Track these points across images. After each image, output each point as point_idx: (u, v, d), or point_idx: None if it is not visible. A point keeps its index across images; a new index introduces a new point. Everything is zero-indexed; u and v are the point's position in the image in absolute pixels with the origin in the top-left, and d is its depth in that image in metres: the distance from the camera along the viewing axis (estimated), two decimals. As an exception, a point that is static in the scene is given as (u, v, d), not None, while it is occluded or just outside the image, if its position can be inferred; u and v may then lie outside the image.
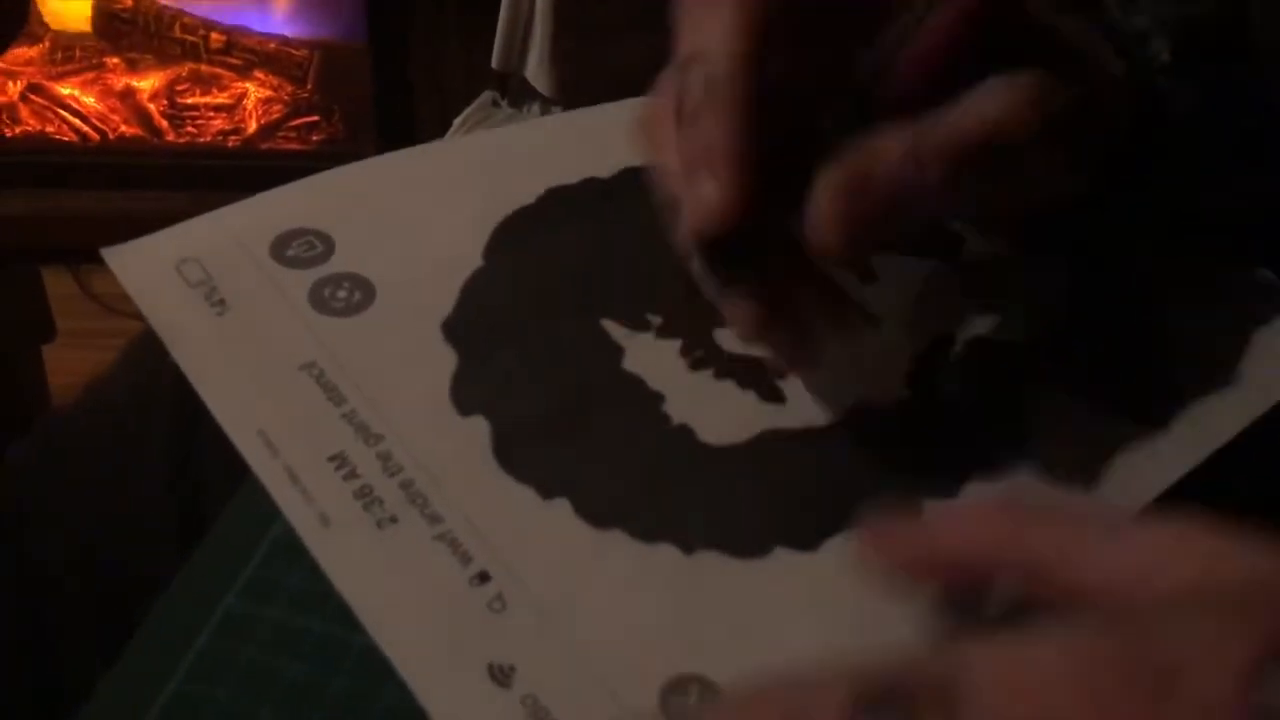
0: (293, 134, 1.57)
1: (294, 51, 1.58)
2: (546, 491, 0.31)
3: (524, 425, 0.32)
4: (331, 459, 0.31)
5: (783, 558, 0.29)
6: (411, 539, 0.29)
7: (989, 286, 0.36)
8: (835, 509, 0.30)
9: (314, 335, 0.34)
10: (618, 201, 0.39)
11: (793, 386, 0.33)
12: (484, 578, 0.29)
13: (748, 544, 0.30)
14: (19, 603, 0.38)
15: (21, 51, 1.57)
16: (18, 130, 1.55)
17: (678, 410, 0.33)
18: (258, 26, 1.59)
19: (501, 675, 0.27)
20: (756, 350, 0.34)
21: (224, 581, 0.32)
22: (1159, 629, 0.20)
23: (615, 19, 0.67)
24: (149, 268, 0.35)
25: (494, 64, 0.74)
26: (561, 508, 0.30)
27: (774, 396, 0.33)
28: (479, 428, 0.32)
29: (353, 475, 0.30)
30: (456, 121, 0.78)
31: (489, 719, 0.26)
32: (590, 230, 0.38)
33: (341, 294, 0.35)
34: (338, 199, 0.38)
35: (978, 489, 0.31)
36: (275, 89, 1.58)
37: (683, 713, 0.26)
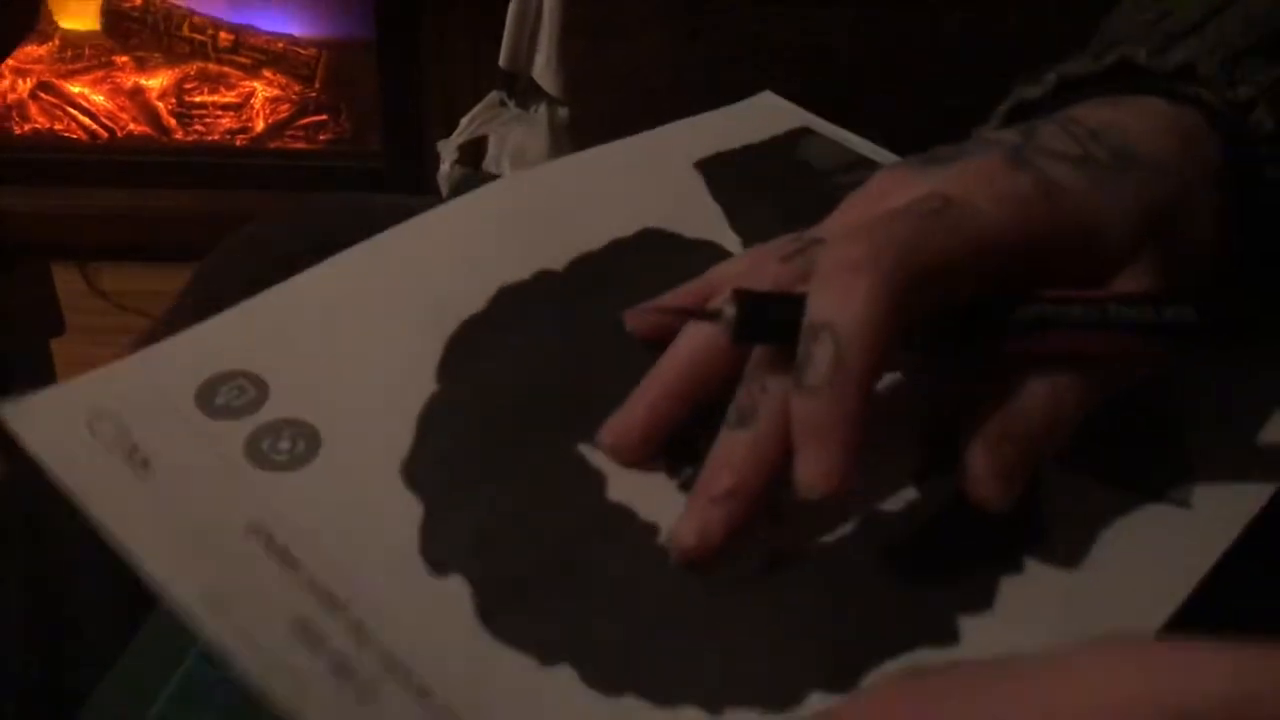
0: (300, 133, 1.57)
1: (302, 51, 1.59)
2: (546, 657, 0.27)
3: (509, 582, 0.28)
4: (294, 625, 0.26)
5: (819, 705, 0.26)
6: (400, 716, 0.25)
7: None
8: (867, 639, 0.28)
9: (255, 495, 0.29)
10: (575, 298, 0.36)
11: (793, 500, 0.29)
12: None
13: (778, 693, 0.27)
14: (31, 596, 0.38)
15: (31, 49, 1.57)
16: (27, 128, 1.56)
17: None
18: (266, 26, 1.60)
19: None
20: None
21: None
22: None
23: (624, 19, 0.68)
24: (56, 425, 0.30)
25: (501, 63, 0.74)
26: (565, 675, 0.27)
27: (776, 515, 0.30)
28: (459, 589, 0.28)
29: (320, 644, 0.26)
30: (464, 121, 0.79)
31: None
32: (551, 336, 0.34)
33: (283, 445, 0.31)
34: (266, 332, 0.34)
35: (1010, 594, 0.29)
36: (283, 88, 1.59)
37: None
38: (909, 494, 0.31)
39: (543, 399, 0.33)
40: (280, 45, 1.59)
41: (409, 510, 0.30)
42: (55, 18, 1.61)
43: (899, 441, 0.32)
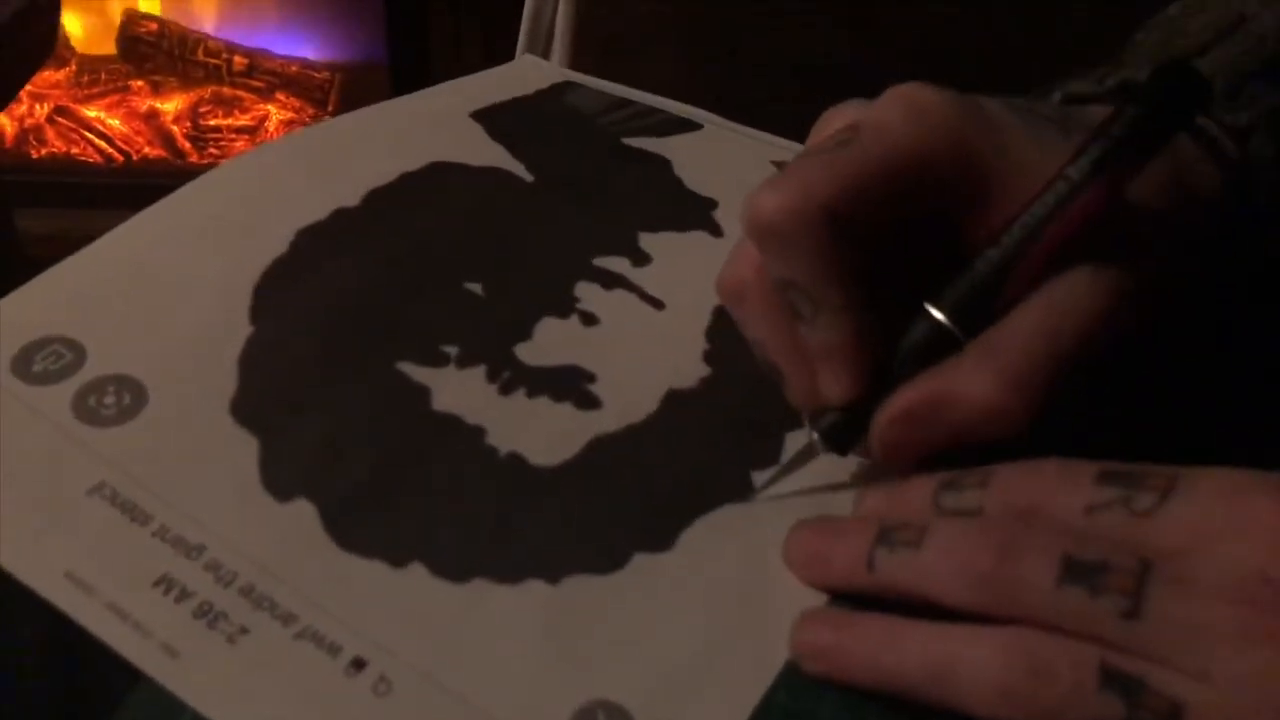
0: (314, 155, 1.58)
1: (315, 74, 1.60)
2: (397, 560, 0.29)
3: (350, 497, 0.30)
4: (157, 584, 0.27)
5: (642, 563, 0.29)
6: (270, 645, 0.27)
7: None
8: (679, 502, 0.31)
9: (91, 453, 0.30)
10: (373, 230, 0.37)
11: (605, 389, 0.33)
12: (359, 664, 0.27)
13: (608, 559, 0.29)
14: (51, 613, 0.39)
15: (48, 74, 1.59)
16: (44, 151, 1.57)
17: (502, 439, 0.32)
18: (279, 49, 1.61)
19: None
20: (560, 359, 0.34)
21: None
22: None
23: (635, 37, 0.68)
24: None
25: (514, 84, 0.75)
26: (417, 572, 0.29)
27: (590, 403, 0.33)
28: (304, 511, 0.29)
29: (185, 595, 0.27)
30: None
31: None
32: (353, 267, 0.36)
33: (109, 400, 0.31)
34: (76, 295, 0.34)
35: (793, 448, 0.32)
36: (297, 111, 1.60)
37: None
38: (702, 371, 0.34)
39: (355, 325, 0.34)
40: (294, 68, 1.60)
41: (244, 446, 0.31)
42: (72, 43, 1.62)
43: (684, 324, 0.35)
